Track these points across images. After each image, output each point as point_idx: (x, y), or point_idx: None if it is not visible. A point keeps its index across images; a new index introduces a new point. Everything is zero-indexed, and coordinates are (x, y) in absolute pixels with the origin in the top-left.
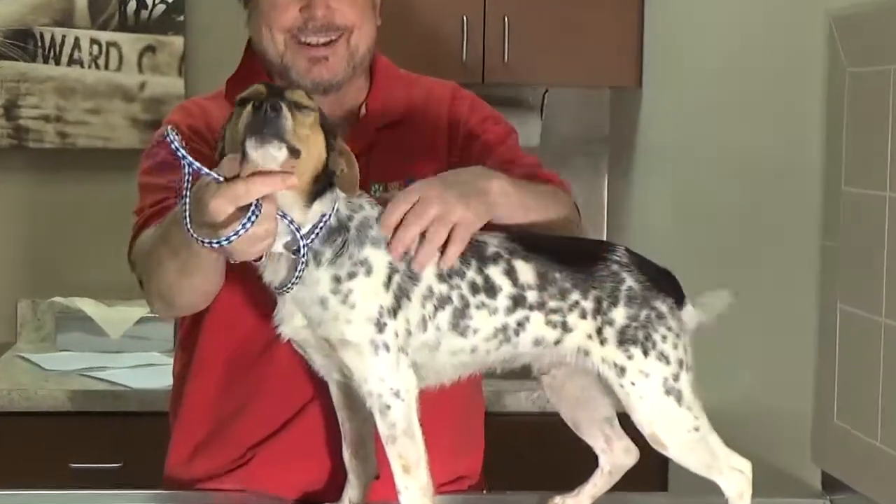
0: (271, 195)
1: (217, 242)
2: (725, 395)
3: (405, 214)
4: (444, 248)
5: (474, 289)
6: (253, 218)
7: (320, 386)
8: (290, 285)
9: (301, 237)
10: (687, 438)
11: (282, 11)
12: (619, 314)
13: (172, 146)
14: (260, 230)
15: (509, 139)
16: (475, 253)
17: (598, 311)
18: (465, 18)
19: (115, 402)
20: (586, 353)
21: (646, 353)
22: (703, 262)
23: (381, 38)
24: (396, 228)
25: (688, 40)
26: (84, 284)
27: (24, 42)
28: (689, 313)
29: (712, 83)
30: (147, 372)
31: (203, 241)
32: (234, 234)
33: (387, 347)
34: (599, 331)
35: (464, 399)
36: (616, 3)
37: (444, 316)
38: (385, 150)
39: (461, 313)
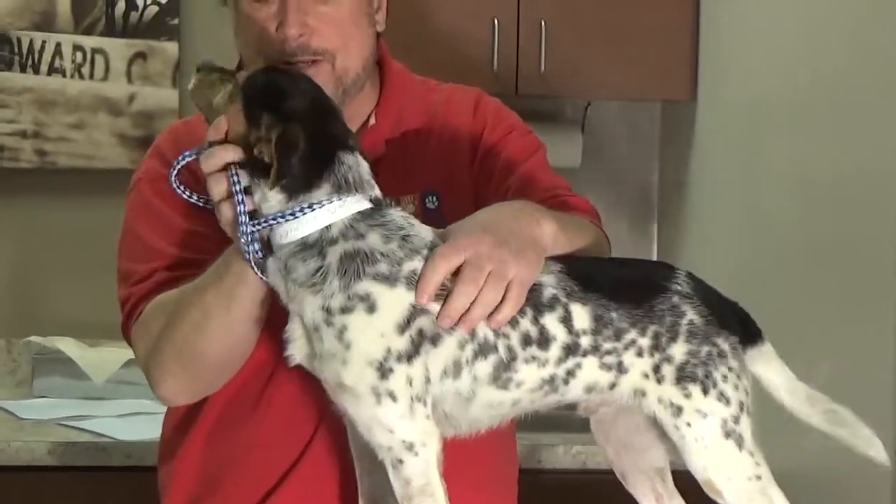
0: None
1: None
2: (793, 453)
3: (465, 282)
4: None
5: (526, 341)
6: (193, 153)
7: (328, 425)
8: (249, 254)
9: (240, 201)
10: (746, 487)
11: (262, 33)
12: (679, 350)
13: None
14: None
15: (536, 155)
16: (530, 301)
17: (655, 347)
18: (496, 22)
19: (99, 456)
20: (643, 394)
21: (705, 391)
22: (767, 298)
23: (401, 42)
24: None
25: (749, 46)
26: (64, 322)
27: None
28: (766, 353)
29: (777, 95)
30: (135, 421)
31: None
32: (179, 160)
33: (393, 396)
34: (657, 368)
35: (494, 448)
36: (667, 6)
37: (484, 366)
38: (397, 162)
39: (505, 366)
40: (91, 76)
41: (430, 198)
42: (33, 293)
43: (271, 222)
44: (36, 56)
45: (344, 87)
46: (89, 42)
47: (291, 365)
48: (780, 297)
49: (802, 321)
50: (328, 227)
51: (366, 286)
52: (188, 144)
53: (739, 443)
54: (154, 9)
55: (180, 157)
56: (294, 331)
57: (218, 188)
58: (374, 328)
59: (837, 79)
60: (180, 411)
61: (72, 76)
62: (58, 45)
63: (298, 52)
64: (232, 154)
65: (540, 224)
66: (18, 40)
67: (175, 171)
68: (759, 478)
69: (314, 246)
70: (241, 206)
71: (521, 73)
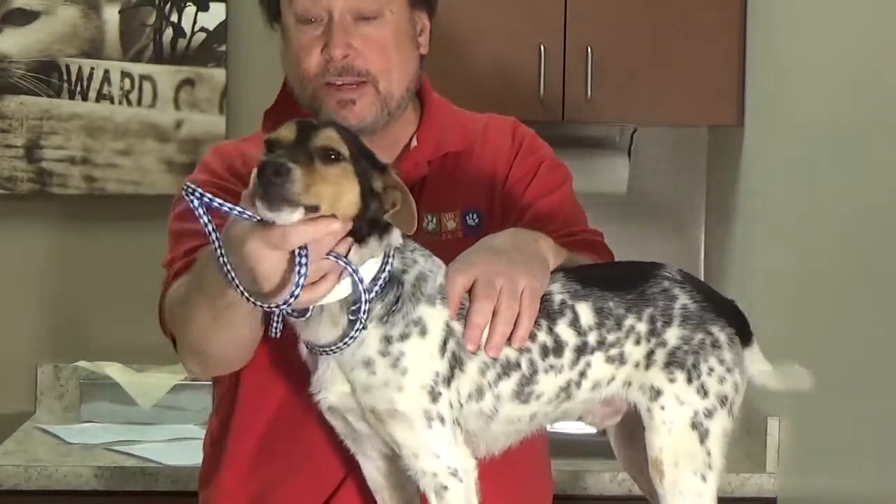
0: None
1: (276, 305)
2: (842, 489)
3: (480, 299)
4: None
5: (544, 352)
6: (303, 270)
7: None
8: (341, 345)
9: (363, 288)
10: (686, 480)
11: (306, 54)
12: (673, 334)
13: (192, 205)
14: (319, 279)
15: (558, 191)
16: (543, 312)
17: (652, 332)
18: (542, 48)
19: (146, 481)
20: (629, 385)
21: (689, 380)
22: (817, 322)
23: (447, 70)
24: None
25: (796, 70)
26: (112, 347)
27: (47, 75)
28: (755, 353)
29: (825, 119)
30: (182, 446)
31: (257, 303)
32: (291, 296)
33: (442, 420)
34: (650, 353)
35: (528, 474)
36: (714, 30)
37: (508, 384)
38: (439, 182)
39: (528, 380)
40: (139, 103)
41: (470, 215)
42: (81, 318)
43: (384, 279)
44: (84, 83)
45: (389, 109)
46: (137, 69)
47: (325, 407)
48: (829, 321)
49: (853, 346)
50: (391, 262)
51: (420, 310)
52: (237, 160)
53: (703, 436)
54: (201, 36)
55: (238, 211)
56: (326, 375)
57: (322, 275)
58: (425, 350)
59: (886, 103)
60: (220, 431)
61: (120, 103)
62: (106, 71)
63: (343, 73)
64: (341, 225)
65: (538, 241)
66: (67, 67)
67: (232, 211)
68: (704, 478)
69: (392, 280)
70: (361, 285)
71: (568, 100)
